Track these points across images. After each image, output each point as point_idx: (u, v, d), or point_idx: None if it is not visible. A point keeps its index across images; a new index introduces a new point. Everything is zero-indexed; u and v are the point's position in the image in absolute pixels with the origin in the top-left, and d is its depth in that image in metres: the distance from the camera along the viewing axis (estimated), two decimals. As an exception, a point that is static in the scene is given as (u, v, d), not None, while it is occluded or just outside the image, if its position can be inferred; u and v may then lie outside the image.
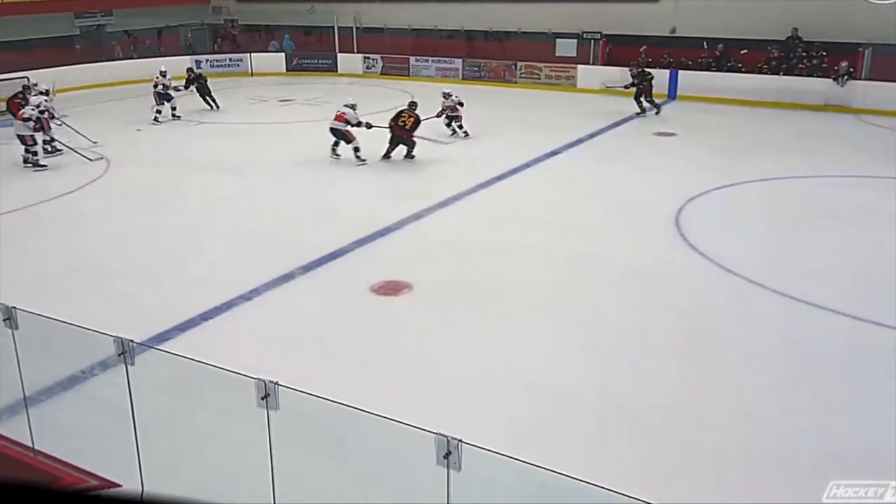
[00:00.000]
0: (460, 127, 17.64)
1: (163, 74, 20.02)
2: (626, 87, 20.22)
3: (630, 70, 20.62)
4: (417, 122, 15.60)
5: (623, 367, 7.72)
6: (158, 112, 19.79)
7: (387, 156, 15.49)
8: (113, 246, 11.18)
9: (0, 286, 9.03)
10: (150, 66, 25.53)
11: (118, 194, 13.78)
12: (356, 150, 15.32)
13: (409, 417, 4.32)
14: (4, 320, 5.73)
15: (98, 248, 11.08)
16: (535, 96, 23.54)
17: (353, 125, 15.40)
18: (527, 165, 15.20)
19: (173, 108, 20.05)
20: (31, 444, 5.93)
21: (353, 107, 15.60)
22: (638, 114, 19.66)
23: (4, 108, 19.38)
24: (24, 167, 15.46)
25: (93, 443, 6.22)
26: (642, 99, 19.74)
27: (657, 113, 19.75)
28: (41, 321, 5.68)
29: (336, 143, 15.71)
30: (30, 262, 10.66)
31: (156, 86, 19.89)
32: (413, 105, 15.95)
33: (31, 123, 15.37)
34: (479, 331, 8.50)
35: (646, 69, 20.36)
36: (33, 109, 15.59)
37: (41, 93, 17.09)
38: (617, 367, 7.73)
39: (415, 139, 15.50)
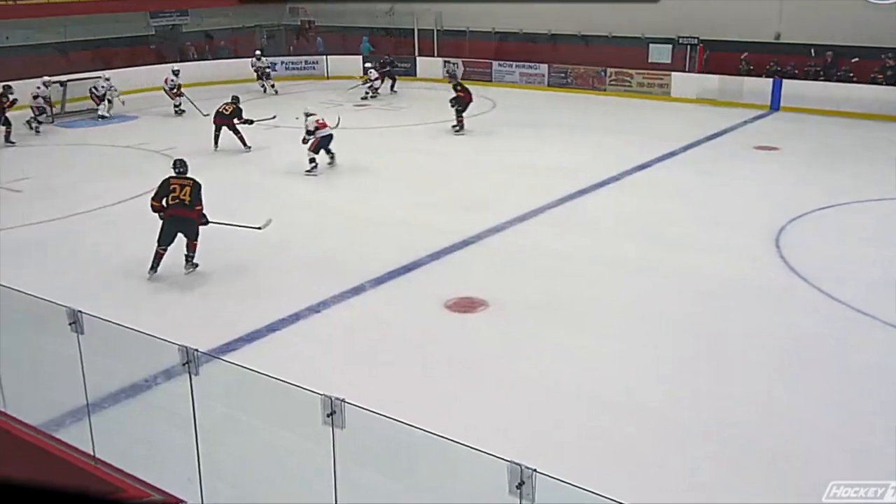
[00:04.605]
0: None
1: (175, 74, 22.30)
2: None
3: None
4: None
5: (709, 389, 7.59)
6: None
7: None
8: (178, 251, 11.45)
9: (67, 288, 9.36)
10: (224, 68, 26.29)
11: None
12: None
13: (482, 440, 4.29)
14: (70, 324, 5.92)
15: (167, 253, 11.35)
16: (625, 105, 23.30)
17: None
18: (615, 178, 15.05)
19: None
20: (92, 452, 6.09)
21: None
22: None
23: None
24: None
25: (154, 453, 6.36)
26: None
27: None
28: (106, 326, 5.84)
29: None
30: (98, 263, 11.06)
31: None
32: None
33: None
34: (559, 349, 8.47)
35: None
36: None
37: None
38: (703, 389, 7.61)
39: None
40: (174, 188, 10.30)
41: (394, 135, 19.64)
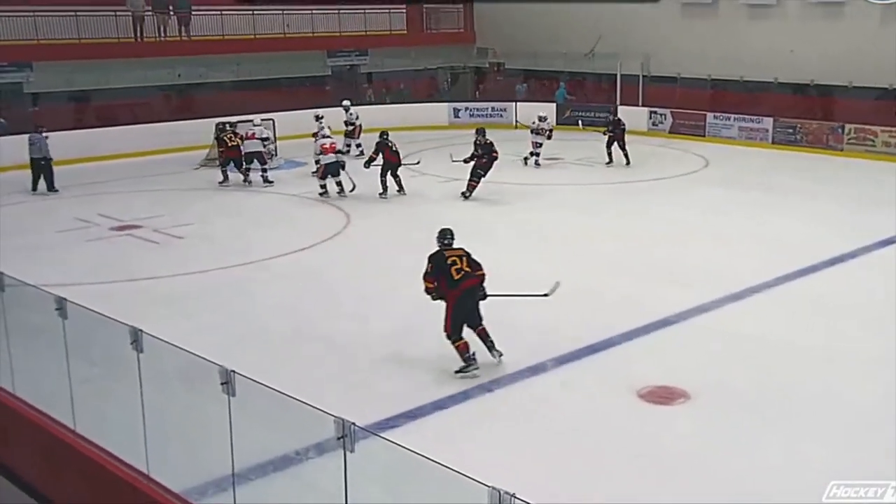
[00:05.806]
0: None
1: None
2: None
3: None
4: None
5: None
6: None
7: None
8: (342, 312, 11.77)
9: (220, 346, 9.72)
10: (402, 112, 27.10)
11: (355, 254, 14.58)
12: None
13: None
14: (222, 384, 6.12)
15: (325, 314, 11.69)
16: (866, 168, 22.40)
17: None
18: (853, 254, 14.42)
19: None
20: (234, 529, 6.25)
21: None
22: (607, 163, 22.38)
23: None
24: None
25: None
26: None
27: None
28: (258, 389, 6.01)
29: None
30: (255, 319, 11.54)
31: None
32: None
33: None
34: (770, 454, 8.06)
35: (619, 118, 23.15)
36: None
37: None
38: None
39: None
40: (454, 261, 9.94)
41: (586, 192, 19.62)
